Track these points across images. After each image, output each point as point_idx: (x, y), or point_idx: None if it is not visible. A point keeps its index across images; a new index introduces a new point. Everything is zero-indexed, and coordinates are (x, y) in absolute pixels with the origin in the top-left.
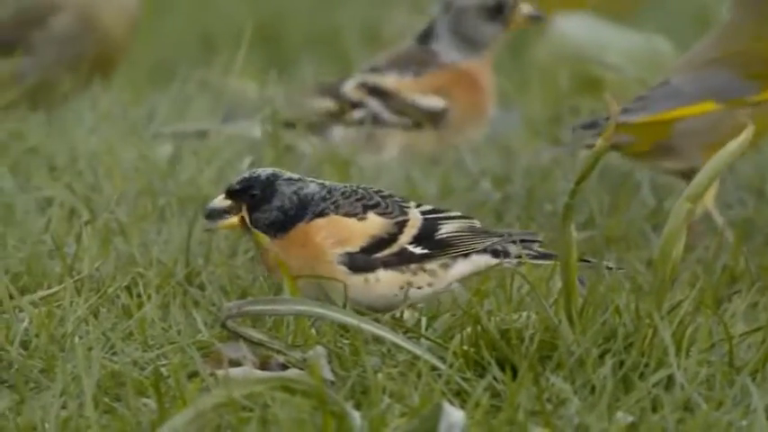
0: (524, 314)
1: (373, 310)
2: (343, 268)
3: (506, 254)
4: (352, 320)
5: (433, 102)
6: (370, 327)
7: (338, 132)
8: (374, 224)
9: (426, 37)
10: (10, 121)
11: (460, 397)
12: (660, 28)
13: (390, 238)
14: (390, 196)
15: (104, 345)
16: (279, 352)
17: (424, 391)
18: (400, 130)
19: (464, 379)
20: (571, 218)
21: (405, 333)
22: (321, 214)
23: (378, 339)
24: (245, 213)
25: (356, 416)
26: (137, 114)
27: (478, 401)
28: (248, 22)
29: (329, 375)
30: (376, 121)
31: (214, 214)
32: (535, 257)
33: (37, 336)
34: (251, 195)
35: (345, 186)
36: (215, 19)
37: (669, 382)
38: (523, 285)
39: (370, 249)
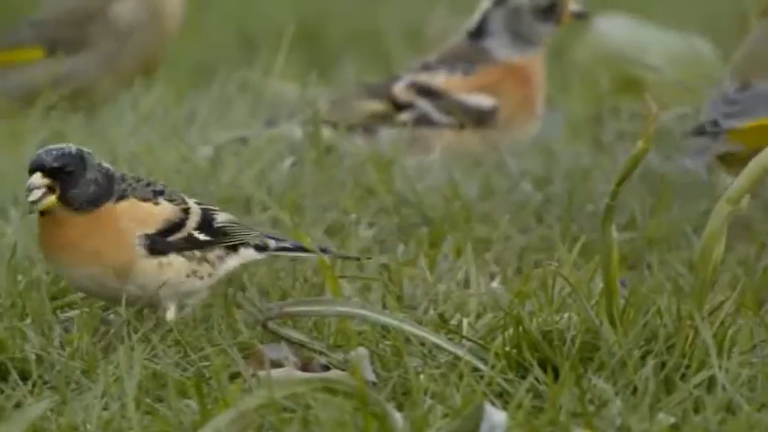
0: (566, 315)
1: (157, 297)
2: (143, 250)
3: (266, 248)
4: (393, 321)
5: (482, 100)
6: (411, 328)
7: (387, 133)
8: (166, 209)
9: (478, 33)
10: (51, 122)
11: (502, 398)
12: (700, 28)
13: (180, 224)
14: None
15: (146, 346)
16: (320, 353)
17: (466, 392)
18: (450, 130)
19: (506, 380)
20: (612, 219)
21: (446, 334)
22: (123, 196)
23: (419, 340)
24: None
25: (398, 417)
26: (177, 115)
27: (520, 402)
28: (289, 23)
29: (371, 376)
30: (426, 121)
31: (36, 193)
32: (293, 250)
33: (79, 337)
34: (67, 172)
35: (131, 174)
36: (256, 19)
37: (711, 384)
38: (565, 287)
39: (165, 233)
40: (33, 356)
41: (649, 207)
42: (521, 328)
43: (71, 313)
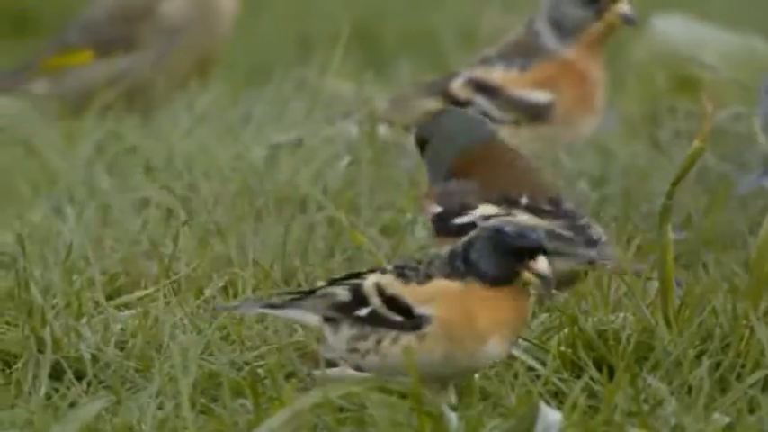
0: (621, 315)
1: None
2: None
3: None
4: None
5: (539, 96)
6: None
7: None
8: None
9: (531, 24)
10: (107, 122)
11: (557, 398)
12: (756, 28)
13: None
14: None
15: (201, 346)
16: None
17: (521, 392)
18: (507, 126)
19: (561, 379)
20: (668, 218)
21: None
22: None
23: None
24: None
25: (453, 416)
26: (233, 115)
27: (575, 402)
28: (345, 23)
29: None
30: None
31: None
32: None
33: (133, 336)
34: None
35: None
36: (311, 19)
37: (766, 383)
38: (620, 286)
39: None
40: (89, 356)
41: (705, 206)
42: (576, 327)
43: (127, 313)
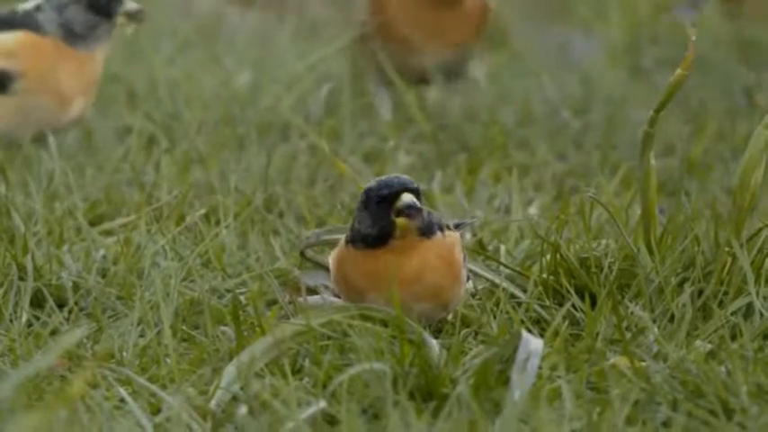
0: (603, 242)
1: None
2: (464, 277)
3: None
4: None
5: None
6: None
7: None
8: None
9: None
10: None
11: (539, 325)
12: None
13: None
14: None
15: (182, 273)
16: None
17: (503, 320)
18: None
19: (543, 307)
20: (651, 146)
21: (483, 261)
22: (440, 226)
23: None
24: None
25: (434, 344)
26: (217, 41)
27: (557, 330)
28: None
29: None
30: None
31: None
32: None
33: (115, 263)
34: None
35: None
36: None
37: (748, 311)
38: (602, 213)
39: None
40: (70, 283)
41: (688, 133)
42: (558, 254)
43: (109, 240)
